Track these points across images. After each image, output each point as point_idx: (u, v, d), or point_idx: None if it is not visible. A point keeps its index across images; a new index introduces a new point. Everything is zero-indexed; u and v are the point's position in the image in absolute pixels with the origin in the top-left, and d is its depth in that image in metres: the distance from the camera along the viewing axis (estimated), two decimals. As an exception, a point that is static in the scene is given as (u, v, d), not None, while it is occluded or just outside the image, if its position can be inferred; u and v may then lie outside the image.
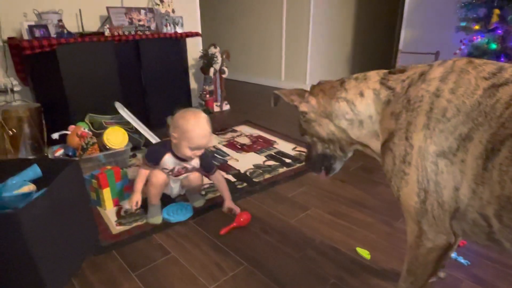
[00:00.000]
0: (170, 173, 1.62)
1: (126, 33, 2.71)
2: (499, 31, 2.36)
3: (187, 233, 1.56)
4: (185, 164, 1.62)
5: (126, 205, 1.62)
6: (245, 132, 2.91)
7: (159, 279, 1.29)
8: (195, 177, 1.72)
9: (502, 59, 2.36)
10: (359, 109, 0.94)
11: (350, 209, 1.75)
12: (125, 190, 1.81)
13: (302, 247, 1.46)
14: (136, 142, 2.44)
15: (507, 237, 0.69)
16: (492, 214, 0.68)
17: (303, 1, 4.22)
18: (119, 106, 2.34)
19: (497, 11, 2.32)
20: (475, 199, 0.70)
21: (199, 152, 1.53)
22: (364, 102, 0.93)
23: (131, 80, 2.80)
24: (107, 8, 2.69)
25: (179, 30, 3.04)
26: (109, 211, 1.73)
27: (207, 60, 3.46)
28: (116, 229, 1.59)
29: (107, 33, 2.62)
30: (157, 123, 2.99)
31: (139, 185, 1.60)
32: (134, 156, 2.40)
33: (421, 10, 3.39)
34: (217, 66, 3.51)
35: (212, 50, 3.47)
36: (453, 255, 1.36)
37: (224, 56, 3.55)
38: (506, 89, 0.67)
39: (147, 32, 2.85)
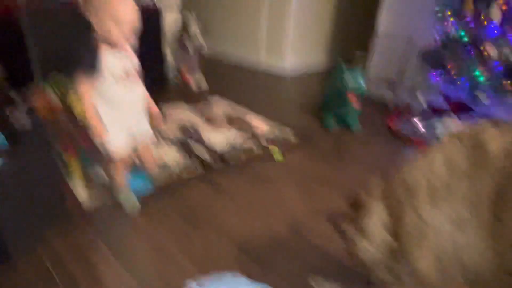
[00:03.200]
0: (123, 75, 1.35)
1: None
2: (472, 24, 2.44)
3: (159, 206, 1.58)
4: (126, 55, 1.38)
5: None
6: (222, 110, 2.90)
7: (131, 250, 1.31)
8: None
9: (471, 52, 2.44)
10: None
11: (318, 186, 1.81)
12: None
13: (268, 220, 1.51)
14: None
15: None
16: None
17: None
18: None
19: (470, 3, 2.39)
20: (496, 256, 0.69)
21: (128, 31, 1.31)
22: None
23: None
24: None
25: (155, 1, 2.93)
26: (78, 181, 1.71)
27: (184, 33, 3.37)
28: (85, 199, 1.58)
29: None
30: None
31: (97, 122, 1.32)
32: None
33: (400, -4, 3.42)
34: (195, 41, 3.43)
35: (188, 21, 3.38)
36: None
37: (201, 31, 3.47)
38: (495, 143, 0.71)
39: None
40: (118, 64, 1.34)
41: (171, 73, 3.54)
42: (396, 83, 2.96)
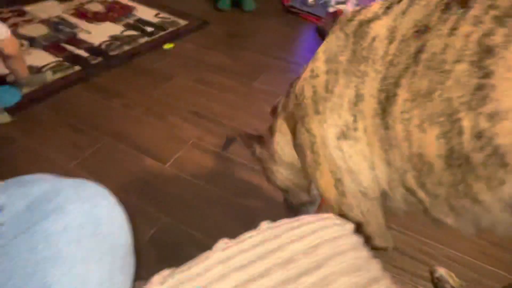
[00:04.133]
0: None
1: None
2: None
3: (38, 116, 1.42)
4: None
5: None
6: (97, -3, 2.48)
7: (11, 168, 1.21)
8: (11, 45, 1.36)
9: None
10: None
11: (213, 74, 1.79)
12: None
13: (164, 116, 1.50)
14: None
15: (442, 211, 0.54)
16: (415, 185, 0.55)
17: None
18: None
19: None
20: (392, 170, 0.56)
21: None
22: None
23: None
24: None
25: None
26: None
27: None
28: None
29: None
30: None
31: None
32: None
33: None
34: None
35: None
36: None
37: None
38: (379, 23, 0.54)
39: None
40: None
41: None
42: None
